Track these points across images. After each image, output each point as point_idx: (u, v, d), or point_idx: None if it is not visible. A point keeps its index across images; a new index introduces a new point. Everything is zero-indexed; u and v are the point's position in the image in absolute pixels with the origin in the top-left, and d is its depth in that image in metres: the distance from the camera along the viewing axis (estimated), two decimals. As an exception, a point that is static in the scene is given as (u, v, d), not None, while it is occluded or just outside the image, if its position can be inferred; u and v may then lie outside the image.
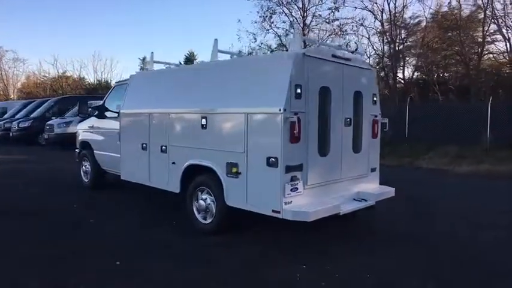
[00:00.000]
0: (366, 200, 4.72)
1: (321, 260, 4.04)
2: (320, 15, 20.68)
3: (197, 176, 4.91)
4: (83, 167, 7.66)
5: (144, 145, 5.71)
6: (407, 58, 22.91)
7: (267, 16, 20.90)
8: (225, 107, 4.53)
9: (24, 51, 69.30)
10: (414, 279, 3.63)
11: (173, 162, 5.20)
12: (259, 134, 4.15)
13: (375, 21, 21.77)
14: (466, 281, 3.66)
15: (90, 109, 7.16)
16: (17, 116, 18.88)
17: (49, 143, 15.32)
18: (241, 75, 4.52)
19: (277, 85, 4.01)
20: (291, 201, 4.00)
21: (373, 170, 5.17)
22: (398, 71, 22.26)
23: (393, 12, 20.61)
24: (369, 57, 21.23)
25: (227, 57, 5.63)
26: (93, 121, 7.29)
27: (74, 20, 56.45)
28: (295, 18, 21.13)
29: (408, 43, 22.63)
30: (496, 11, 19.36)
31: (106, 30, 56.36)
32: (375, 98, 5.14)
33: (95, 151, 7.26)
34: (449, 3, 20.58)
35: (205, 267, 3.90)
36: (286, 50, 18.97)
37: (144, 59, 42.04)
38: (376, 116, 5.18)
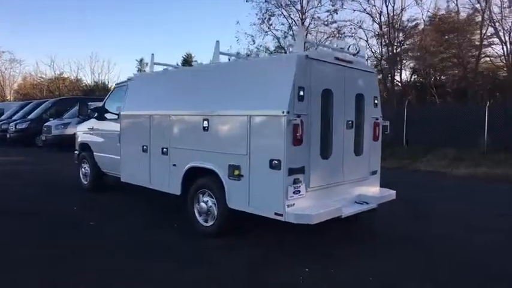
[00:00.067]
0: (367, 203, 4.73)
1: (324, 262, 4.05)
2: (319, 18, 20.78)
3: (198, 178, 4.90)
4: (82, 169, 7.63)
5: (144, 147, 5.69)
6: (404, 61, 23.04)
7: (265, 18, 21.01)
8: (227, 109, 4.52)
9: (20, 52, 69.06)
10: (414, 282, 3.64)
11: (174, 165, 5.19)
12: (262, 136, 4.15)
13: (372, 24, 21.88)
14: (464, 284, 3.68)
15: (90, 111, 7.13)
16: (14, 118, 18.79)
17: (47, 144, 15.24)
18: (244, 77, 4.52)
19: (280, 87, 4.01)
20: (294, 204, 4.00)
21: (374, 172, 5.18)
22: (395, 73, 22.37)
23: (391, 14, 20.73)
24: (367, 60, 21.29)
25: (227, 58, 5.63)
26: (92, 123, 7.26)
27: (72, 21, 56.44)
28: (294, 21, 21.20)
29: (405, 46, 22.76)
30: (493, 14, 19.51)
31: (103, 31, 56.37)
32: (376, 101, 5.16)
33: (94, 153, 7.23)
34: (448, 6, 20.73)
35: (206, 269, 3.90)
36: (285, 52, 19.11)
37: (141, 60, 42.07)
38: (377, 119, 5.19)
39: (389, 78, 21.80)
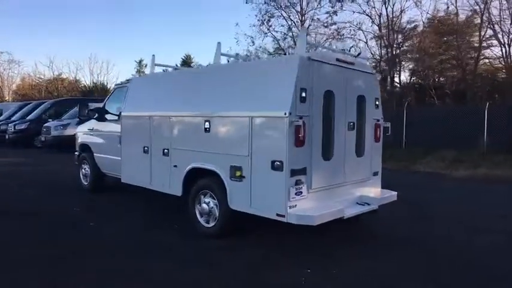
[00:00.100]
0: (368, 204, 4.73)
1: (325, 263, 4.04)
2: (318, 19, 20.84)
3: (199, 179, 4.90)
4: (82, 170, 7.62)
5: (145, 148, 5.69)
6: (403, 62, 23.11)
7: (265, 19, 21.04)
8: (229, 111, 4.52)
9: (19, 53, 69.05)
10: (416, 284, 3.65)
11: (175, 166, 5.19)
12: (264, 137, 4.15)
13: (372, 25, 21.94)
14: (465, 285, 3.68)
15: (90, 112, 7.13)
16: (12, 118, 18.75)
17: (46, 145, 15.21)
18: (246, 79, 4.52)
19: (282, 89, 4.02)
20: (296, 205, 4.00)
21: (375, 174, 5.19)
22: (394, 75, 22.42)
23: (391, 16, 20.79)
24: (368, 60, 21.33)
25: (226, 60, 5.64)
26: (93, 124, 7.25)
27: (71, 22, 56.40)
28: (294, 22, 21.25)
29: (404, 47, 22.84)
30: (492, 16, 19.60)
31: (102, 32, 56.34)
32: (377, 102, 5.17)
33: (94, 154, 7.22)
34: (447, 8, 20.80)
35: (207, 270, 3.89)
36: (285, 54, 19.12)
37: (140, 61, 42.11)
38: (378, 120, 5.20)
39: (389, 79, 21.86)
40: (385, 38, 21.24)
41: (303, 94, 4.00)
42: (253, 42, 21.89)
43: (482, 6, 19.43)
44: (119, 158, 6.31)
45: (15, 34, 53.99)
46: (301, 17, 20.89)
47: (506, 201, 7.30)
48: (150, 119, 5.62)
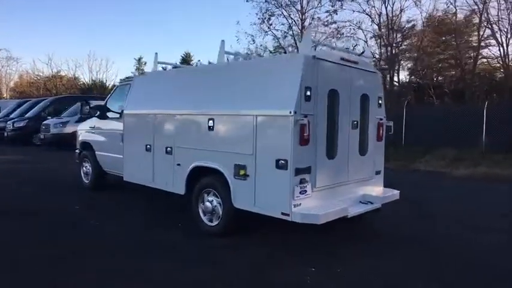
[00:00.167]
0: (372, 203, 4.75)
1: (329, 262, 4.05)
2: (319, 18, 20.84)
3: (203, 178, 4.90)
4: (83, 168, 7.60)
5: (148, 146, 5.68)
6: (402, 61, 23.15)
7: (265, 18, 21.04)
8: (233, 109, 4.52)
9: (17, 50, 68.72)
10: (419, 282, 3.66)
11: (178, 164, 5.18)
12: (268, 136, 4.14)
13: (371, 25, 21.96)
14: (469, 284, 3.70)
15: (92, 110, 7.11)
16: (11, 116, 18.67)
17: (45, 143, 15.17)
18: (250, 77, 4.52)
19: (287, 87, 4.02)
20: (300, 204, 4.00)
21: (377, 172, 5.20)
22: (394, 74, 22.45)
23: (390, 16, 20.81)
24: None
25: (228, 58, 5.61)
26: (94, 122, 7.22)
27: (70, 19, 56.16)
28: (294, 21, 21.25)
29: (403, 46, 22.87)
30: (491, 16, 19.65)
31: (102, 30, 56.14)
32: (380, 101, 5.17)
33: (96, 152, 7.20)
34: (448, 7, 20.82)
35: (211, 269, 3.89)
36: (285, 52, 19.10)
37: (140, 59, 41.99)
38: (381, 119, 5.21)
39: (388, 79, 21.89)
40: (384, 37, 21.26)
41: (308, 93, 4.00)
42: (253, 40, 21.91)
43: (481, 6, 19.48)
44: (121, 156, 6.29)
45: (13, 31, 53.83)
46: (302, 16, 20.89)
47: (506, 200, 7.33)
48: (153, 117, 5.61)
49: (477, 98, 19.74)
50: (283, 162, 3.98)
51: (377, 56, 22.10)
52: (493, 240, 4.90)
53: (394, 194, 5.14)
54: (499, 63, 21.23)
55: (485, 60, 21.97)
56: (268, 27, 21.37)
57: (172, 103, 5.36)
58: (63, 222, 5.45)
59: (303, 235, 4.74)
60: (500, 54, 20.40)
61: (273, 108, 4.09)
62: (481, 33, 20.39)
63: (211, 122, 4.71)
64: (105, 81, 38.39)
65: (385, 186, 5.36)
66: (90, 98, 15.37)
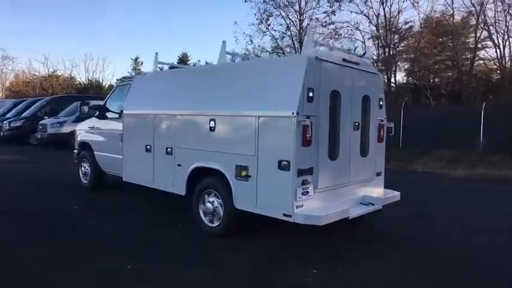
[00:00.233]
0: (373, 204, 4.75)
1: (331, 263, 4.05)
2: (317, 19, 20.88)
3: (204, 179, 4.88)
4: (82, 168, 7.55)
5: (148, 147, 5.65)
6: (399, 63, 23.23)
7: (264, 18, 21.05)
8: (235, 110, 4.50)
9: (13, 49, 68.25)
10: (419, 283, 3.66)
11: (179, 164, 5.16)
12: (270, 137, 4.13)
13: (369, 25, 22.04)
14: (468, 285, 3.71)
15: (91, 109, 7.07)
16: (7, 115, 18.56)
17: (42, 143, 15.09)
18: (252, 78, 4.51)
19: (290, 88, 4.01)
20: (302, 205, 4.00)
21: (378, 174, 5.21)
22: (391, 75, 22.52)
23: (388, 17, 20.88)
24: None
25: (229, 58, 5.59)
26: (93, 122, 7.19)
27: (66, 19, 55.92)
28: (292, 21, 21.28)
29: (400, 48, 22.94)
30: (487, 18, 19.77)
31: (99, 29, 55.92)
32: (381, 103, 5.18)
33: (95, 152, 7.16)
34: (446, 9, 20.92)
35: (211, 269, 3.88)
36: (283, 53, 19.11)
37: (136, 59, 41.90)
38: (382, 120, 5.22)
39: (386, 80, 21.96)
40: (382, 38, 21.33)
41: (310, 94, 4.00)
42: (251, 41, 21.92)
43: (478, 8, 19.59)
44: (120, 157, 6.26)
45: (9, 30, 53.43)
46: (300, 17, 20.95)
47: (504, 201, 7.37)
48: (153, 118, 5.58)
49: (474, 99, 19.85)
50: (285, 163, 3.97)
51: (375, 57, 22.17)
52: (492, 240, 4.92)
53: (395, 195, 5.15)
54: (495, 64, 21.37)
55: (482, 61, 22.10)
56: (267, 28, 21.44)
57: (173, 103, 5.34)
58: (63, 222, 5.43)
59: (304, 236, 4.73)
60: (497, 56, 20.54)
61: (276, 109, 4.08)
62: (478, 34, 20.52)
63: (212, 122, 4.69)
64: (101, 81, 38.29)
65: (384, 187, 5.37)
66: (88, 97, 15.33)
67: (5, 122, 17.21)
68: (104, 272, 3.77)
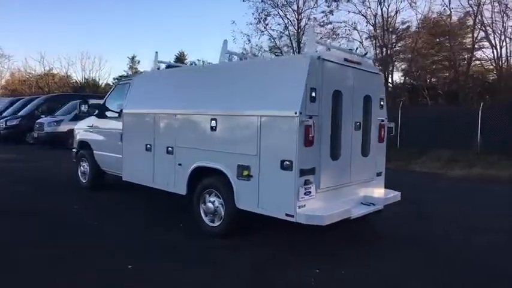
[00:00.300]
0: (374, 204, 4.75)
1: (332, 263, 4.06)
2: (315, 19, 20.90)
3: (205, 178, 4.86)
4: (81, 167, 7.51)
5: (148, 146, 5.62)
6: (396, 63, 23.29)
7: (262, 18, 21.03)
8: (237, 109, 4.49)
9: (9, 48, 67.79)
10: (420, 283, 3.67)
11: (180, 164, 5.14)
12: (273, 136, 4.12)
13: (367, 25, 22.08)
14: (468, 285, 3.73)
15: (90, 108, 7.03)
16: (3, 114, 18.42)
17: (39, 141, 15.00)
18: (255, 77, 4.49)
19: (292, 88, 4.00)
20: (305, 205, 3.99)
21: (379, 174, 5.22)
22: (388, 75, 22.57)
23: (386, 17, 20.92)
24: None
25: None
26: (92, 121, 7.16)
27: (62, 17, 55.58)
28: (290, 21, 21.29)
29: (397, 48, 23.01)
30: (485, 19, 19.86)
31: (95, 28, 55.63)
32: (382, 103, 5.19)
33: (94, 151, 7.12)
34: (444, 9, 20.99)
35: (211, 269, 3.87)
36: (281, 53, 19.09)
37: (133, 58, 41.73)
38: (382, 120, 5.23)
39: (384, 79, 22.02)
40: (379, 38, 21.37)
41: (313, 94, 3.99)
42: (249, 40, 21.91)
43: (475, 8, 19.67)
44: (120, 156, 6.23)
45: (5, 28, 53.01)
46: (298, 16, 20.96)
47: (502, 201, 7.40)
48: (154, 117, 5.55)
49: (470, 99, 19.93)
50: (288, 163, 3.96)
51: (372, 57, 22.22)
52: (492, 240, 4.95)
53: (396, 195, 5.16)
54: (492, 65, 21.45)
55: (478, 62, 22.20)
56: (265, 27, 21.43)
57: (175, 102, 5.31)
58: (62, 222, 5.39)
59: (304, 236, 4.73)
60: (494, 57, 20.63)
61: (278, 109, 4.07)
62: (475, 35, 20.60)
63: (214, 122, 4.67)
64: (98, 79, 38.10)
65: (389, 187, 5.38)
66: (85, 96, 15.25)
67: (1, 120, 17.09)
68: (104, 272, 3.75)
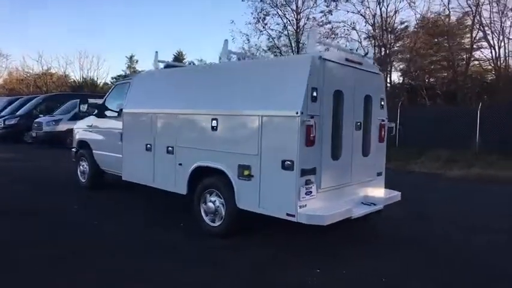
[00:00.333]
0: (374, 204, 4.76)
1: (332, 263, 4.06)
2: (314, 18, 20.89)
3: (205, 178, 4.86)
4: (80, 167, 7.49)
5: (148, 145, 5.61)
6: (394, 63, 23.32)
7: (261, 17, 21.01)
8: (238, 109, 4.48)
9: (7, 47, 67.50)
10: (420, 283, 3.68)
11: (180, 164, 5.13)
12: (274, 136, 4.12)
13: (365, 25, 22.08)
14: (468, 285, 3.74)
15: (89, 108, 7.02)
16: (2, 113, 18.37)
17: (37, 141, 14.97)
18: (256, 77, 4.49)
19: (294, 88, 4.00)
20: (306, 205, 3.99)
21: (379, 174, 5.22)
22: (387, 75, 22.59)
23: (384, 16, 20.93)
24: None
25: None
26: (92, 120, 7.14)
27: (61, 16, 55.43)
28: (289, 20, 21.28)
29: (396, 48, 23.03)
30: (483, 19, 19.89)
31: (93, 27, 55.50)
32: (382, 103, 5.19)
33: (93, 151, 7.10)
34: (444, 10, 21.02)
35: (211, 269, 3.86)
36: (280, 52, 19.07)
37: (131, 57, 41.66)
38: (383, 120, 5.23)
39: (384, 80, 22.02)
40: (378, 38, 21.39)
41: (314, 94, 3.99)
42: (248, 40, 21.91)
43: (473, 9, 19.71)
44: (120, 156, 6.22)
45: (3, 27, 52.78)
46: (297, 16, 20.95)
47: (501, 201, 7.42)
48: (154, 116, 5.54)
49: (469, 99, 19.97)
50: (289, 163, 3.96)
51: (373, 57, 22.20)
52: (492, 240, 4.95)
53: (396, 195, 5.17)
54: (490, 65, 21.48)
55: (477, 62, 22.24)
56: (263, 27, 21.41)
57: (175, 102, 5.31)
58: (62, 221, 5.38)
59: (304, 236, 4.73)
60: (492, 57, 20.66)
61: (280, 109, 4.07)
62: (474, 35, 20.64)
63: (214, 122, 4.67)
64: (96, 79, 38.00)
65: (389, 187, 5.38)
66: (84, 95, 15.22)
67: (-1, 120, 17.06)
68: (104, 272, 3.75)
